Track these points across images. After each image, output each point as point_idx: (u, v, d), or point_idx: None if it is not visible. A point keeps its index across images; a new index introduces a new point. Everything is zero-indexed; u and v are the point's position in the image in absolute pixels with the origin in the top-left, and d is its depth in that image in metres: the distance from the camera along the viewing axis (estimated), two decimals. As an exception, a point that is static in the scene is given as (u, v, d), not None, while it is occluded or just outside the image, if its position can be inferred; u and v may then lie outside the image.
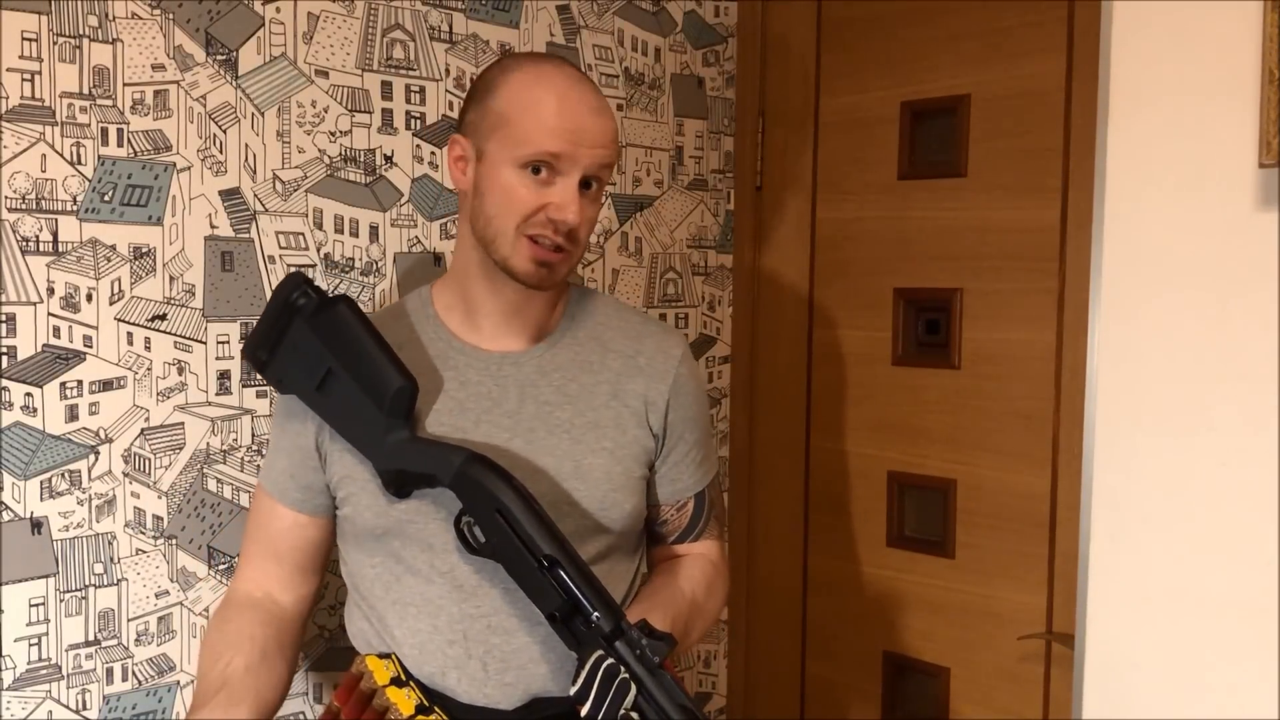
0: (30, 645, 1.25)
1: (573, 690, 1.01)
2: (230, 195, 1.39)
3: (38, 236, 1.24)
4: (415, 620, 1.15)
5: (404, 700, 1.12)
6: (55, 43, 1.24)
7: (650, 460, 1.24)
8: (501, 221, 1.13)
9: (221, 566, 1.40)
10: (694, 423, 1.27)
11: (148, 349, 1.33)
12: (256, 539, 1.25)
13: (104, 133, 1.28)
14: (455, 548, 1.12)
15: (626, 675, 1.00)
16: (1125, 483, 1.28)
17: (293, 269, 1.44)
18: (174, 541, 1.36)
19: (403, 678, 1.14)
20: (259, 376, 1.18)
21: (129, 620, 1.33)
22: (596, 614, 1.03)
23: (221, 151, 1.38)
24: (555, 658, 1.13)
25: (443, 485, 1.09)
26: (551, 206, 1.11)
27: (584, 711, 1.00)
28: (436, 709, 1.13)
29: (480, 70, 1.33)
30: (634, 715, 1.00)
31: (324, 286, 1.47)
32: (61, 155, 1.25)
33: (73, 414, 1.27)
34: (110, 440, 1.30)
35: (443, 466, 1.08)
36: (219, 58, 1.37)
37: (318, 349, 1.13)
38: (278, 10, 1.41)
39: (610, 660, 1.01)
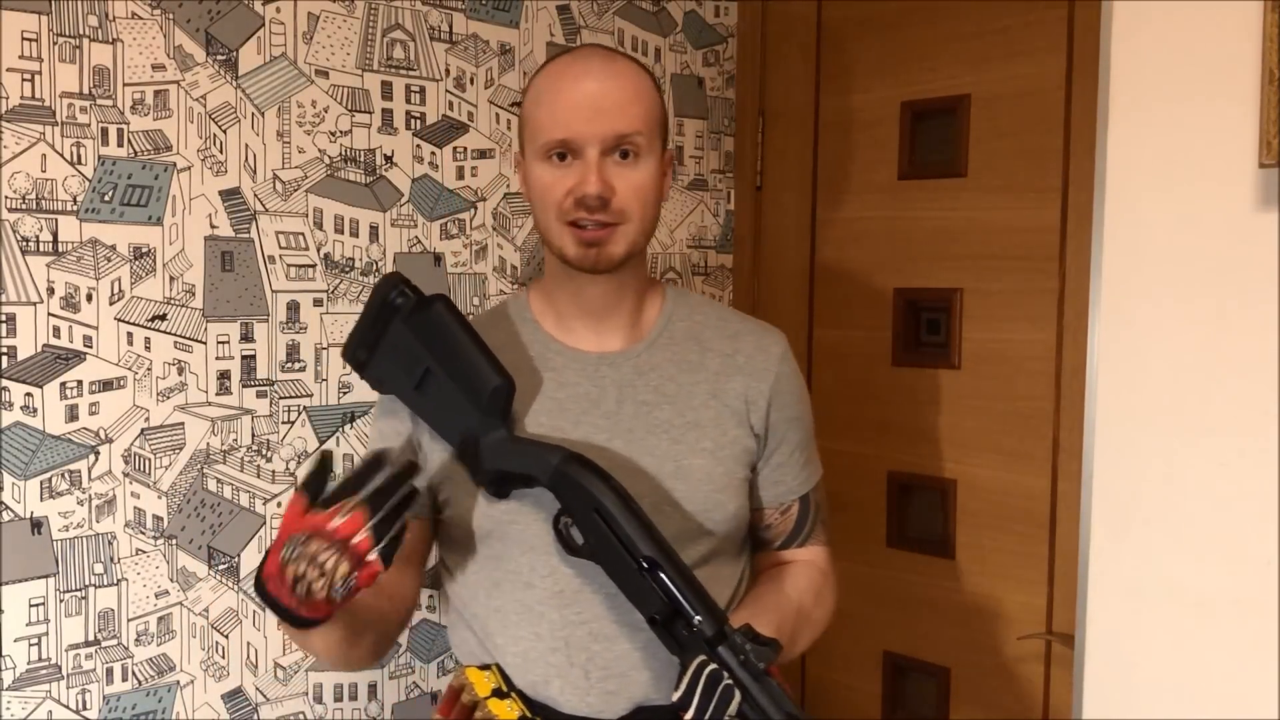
0: (30, 645, 1.25)
1: (675, 696, 0.98)
2: (230, 195, 1.39)
3: (38, 236, 1.24)
4: (517, 628, 1.13)
5: (505, 711, 1.10)
6: (55, 43, 1.24)
7: (752, 461, 1.20)
8: (544, 215, 1.14)
9: (221, 566, 1.40)
10: (797, 423, 1.23)
11: (148, 349, 1.33)
12: None
13: (104, 133, 1.28)
14: (556, 550, 1.09)
15: (730, 681, 0.97)
16: (1125, 483, 1.28)
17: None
18: (174, 541, 1.36)
19: (504, 689, 1.12)
20: (360, 377, 1.18)
21: (129, 620, 1.33)
22: (699, 618, 1.00)
23: (221, 151, 1.38)
24: (658, 665, 1.09)
25: (540, 485, 1.07)
26: (575, 186, 1.10)
27: (687, 718, 0.97)
28: (513, 694, 1.11)
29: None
30: None
31: (325, 287, 1.47)
32: (61, 155, 1.25)
33: (73, 414, 1.27)
34: (110, 440, 1.30)
35: (540, 466, 1.06)
36: (219, 58, 1.37)
37: (415, 348, 1.12)
38: (278, 10, 1.41)
39: (713, 666, 0.98)
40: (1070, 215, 1.54)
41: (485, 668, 1.14)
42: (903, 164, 1.74)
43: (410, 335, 1.12)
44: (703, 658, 0.98)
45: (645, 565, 1.01)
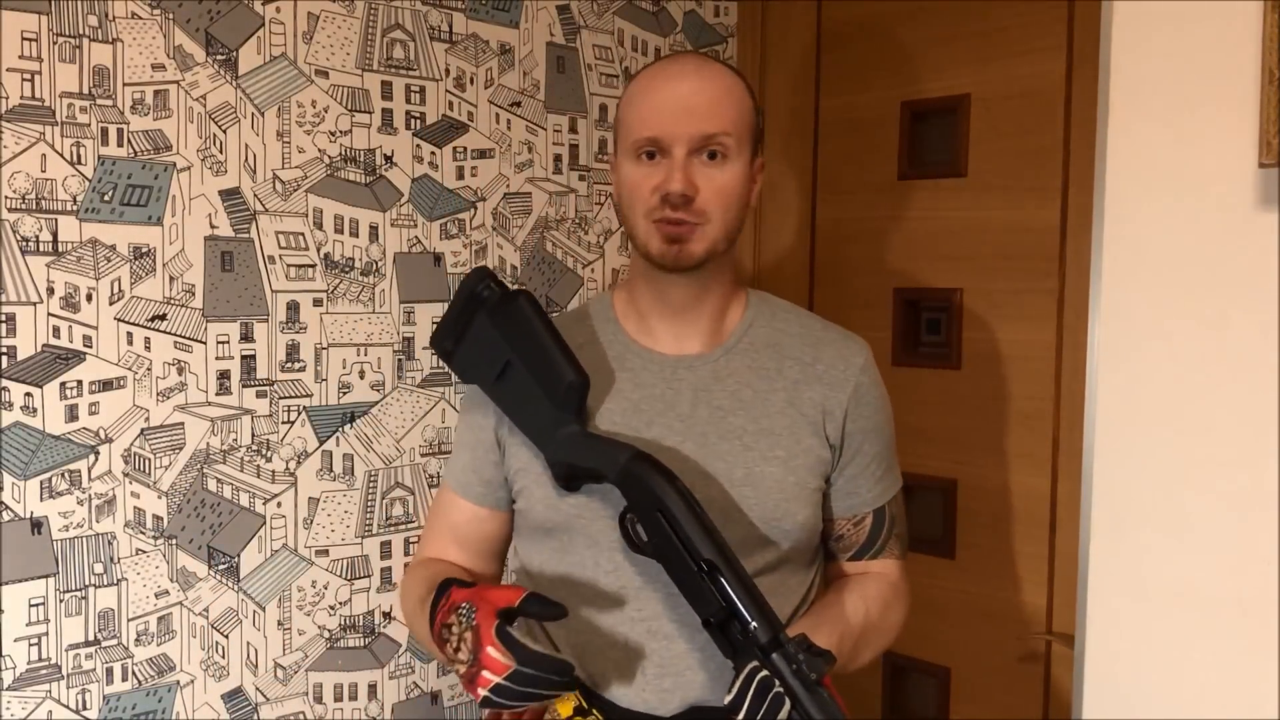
0: (30, 645, 1.25)
1: (727, 700, 0.98)
2: (230, 195, 1.39)
3: (38, 236, 1.24)
4: (575, 623, 1.13)
5: (562, 702, 1.10)
6: (55, 43, 1.24)
7: (826, 472, 1.19)
8: (630, 212, 1.15)
9: (221, 566, 1.40)
10: (876, 434, 1.22)
11: (148, 349, 1.33)
12: (438, 530, 1.27)
13: (104, 133, 1.28)
14: (620, 547, 1.11)
15: (781, 689, 0.97)
16: (1125, 483, 1.28)
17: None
18: (174, 541, 1.36)
19: (585, 707, 1.12)
20: (445, 366, 1.23)
21: (129, 620, 1.33)
22: (754, 624, 1.00)
23: (221, 151, 1.38)
24: (714, 666, 1.10)
25: (608, 481, 1.08)
26: (660, 183, 1.11)
27: None
28: (594, 711, 1.12)
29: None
30: None
31: (324, 287, 1.47)
32: (61, 155, 1.25)
33: (73, 414, 1.27)
34: (110, 440, 1.30)
35: (609, 462, 1.08)
36: (219, 58, 1.37)
37: (498, 341, 1.15)
38: (278, 10, 1.41)
39: (765, 672, 0.98)
40: (1070, 215, 1.54)
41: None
42: (903, 164, 1.74)
43: (493, 328, 1.15)
44: (755, 663, 0.99)
45: (705, 568, 1.02)
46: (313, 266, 1.46)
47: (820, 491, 1.19)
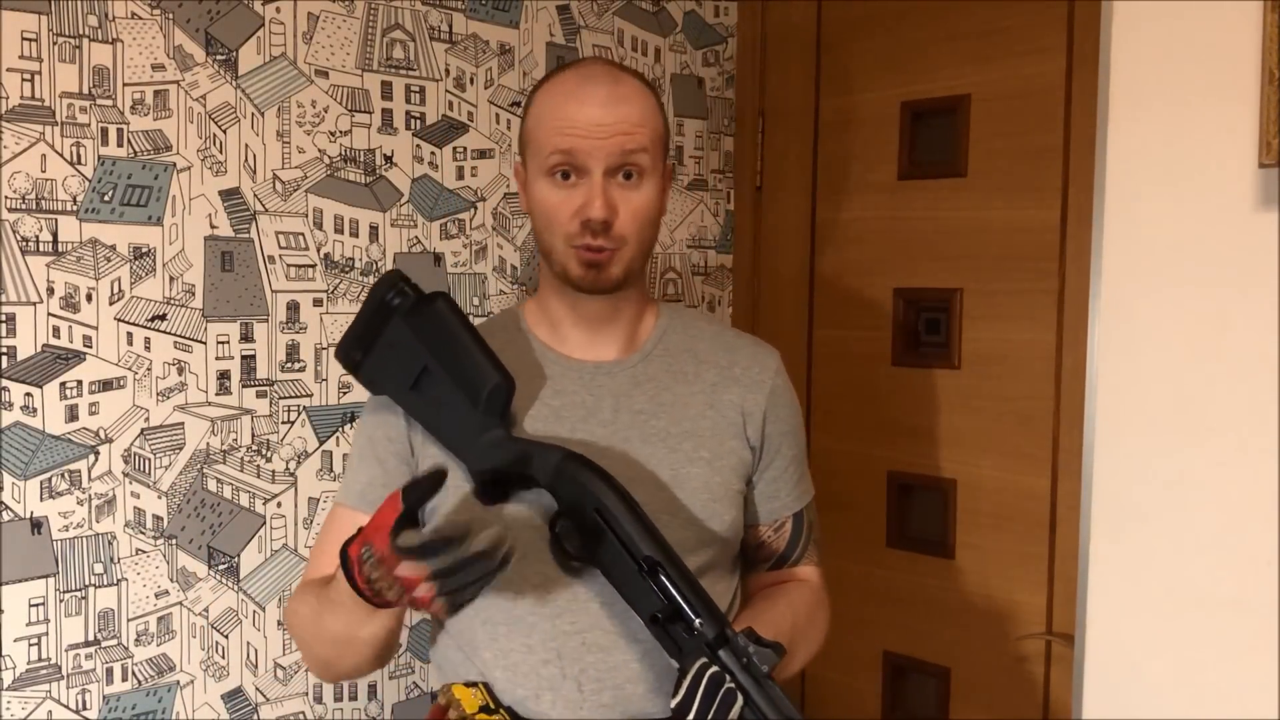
0: (30, 645, 1.25)
1: (674, 702, 0.96)
2: (230, 195, 1.39)
3: (38, 236, 1.24)
4: (506, 640, 1.10)
5: (468, 699, 1.07)
6: (55, 43, 1.24)
7: (748, 474, 1.20)
8: (548, 236, 1.13)
9: (221, 566, 1.40)
10: (791, 437, 1.23)
11: (148, 349, 1.33)
12: (331, 554, 1.12)
13: (104, 133, 1.28)
14: (548, 558, 1.08)
15: (732, 685, 0.95)
16: (1125, 483, 1.28)
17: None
18: (174, 541, 1.36)
19: (492, 705, 1.09)
20: (353, 378, 1.16)
21: (129, 620, 1.33)
22: (699, 620, 0.98)
23: (221, 151, 1.38)
24: (654, 676, 1.08)
25: (539, 485, 1.05)
26: (580, 208, 1.09)
27: None
28: (501, 709, 1.08)
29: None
30: None
31: (324, 287, 1.47)
32: (61, 155, 1.25)
33: (73, 414, 1.27)
34: (110, 440, 1.30)
35: (540, 465, 1.04)
36: (219, 58, 1.37)
37: (414, 346, 1.09)
38: (278, 10, 1.41)
39: (715, 669, 0.96)
40: (1070, 215, 1.54)
41: (472, 685, 1.11)
42: (903, 164, 1.74)
43: (409, 333, 1.10)
44: (704, 660, 0.97)
45: (646, 566, 1.00)
46: (313, 266, 1.46)
47: (743, 494, 1.19)
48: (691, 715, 0.95)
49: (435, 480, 0.95)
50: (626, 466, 1.12)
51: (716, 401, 1.19)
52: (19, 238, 1.23)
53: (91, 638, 1.30)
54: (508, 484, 1.08)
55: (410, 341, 1.10)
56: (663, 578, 1.00)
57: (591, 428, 1.14)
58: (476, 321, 1.15)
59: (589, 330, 1.18)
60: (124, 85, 1.29)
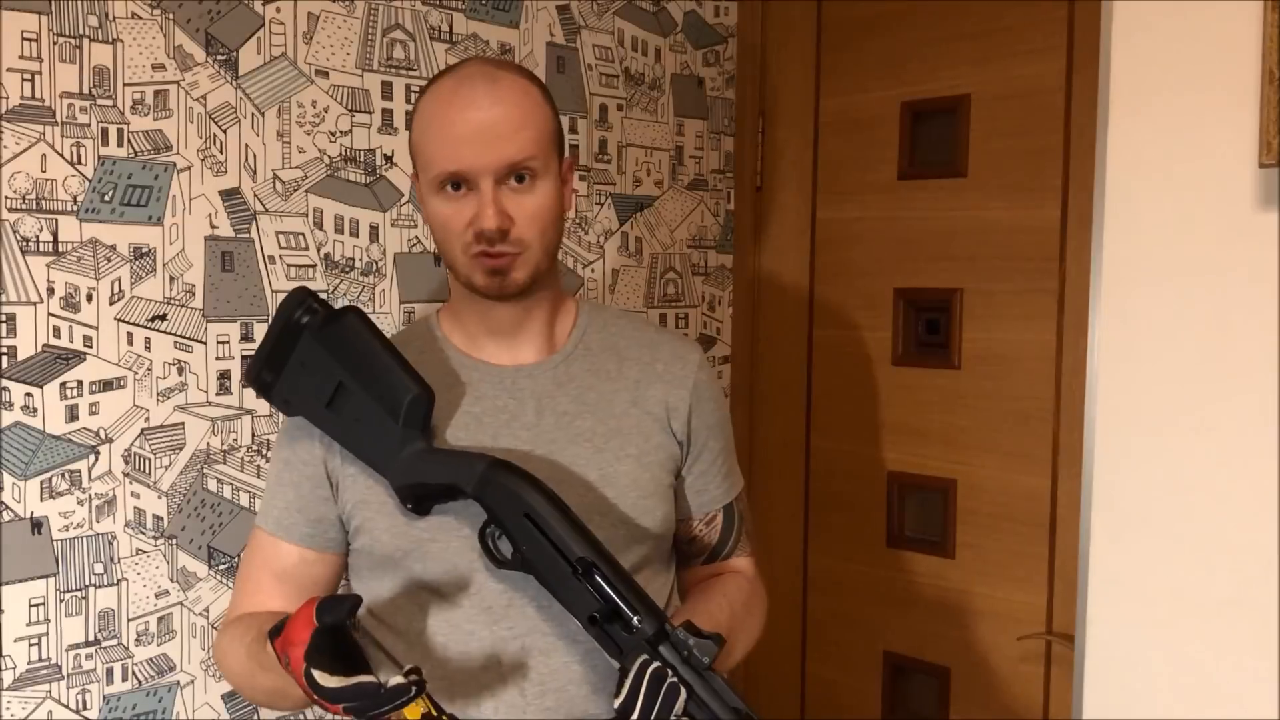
0: (30, 645, 1.25)
1: (616, 702, 0.95)
2: (230, 195, 1.39)
3: (38, 236, 1.24)
4: (444, 650, 1.09)
5: (410, 708, 1.08)
6: (55, 43, 1.24)
7: (677, 468, 1.20)
8: (448, 249, 1.11)
9: (221, 566, 1.40)
10: (717, 430, 1.24)
11: (148, 349, 1.33)
12: (256, 582, 1.16)
13: (104, 133, 1.28)
14: (481, 566, 1.07)
15: (675, 680, 0.95)
16: (1125, 483, 1.28)
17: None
18: (174, 541, 1.36)
19: (434, 713, 1.06)
20: (264, 400, 1.14)
21: (129, 620, 1.33)
22: (637, 617, 0.98)
23: (221, 151, 1.38)
24: (596, 678, 1.07)
25: (465, 496, 1.03)
26: (473, 219, 1.07)
27: None
28: (445, 715, 1.06)
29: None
30: None
31: (325, 287, 1.47)
32: (61, 155, 1.25)
33: (73, 414, 1.27)
34: (110, 440, 1.30)
35: (465, 474, 1.02)
36: (219, 58, 1.37)
37: (327, 363, 1.07)
38: (278, 10, 1.41)
39: (656, 665, 0.95)
40: (1070, 215, 1.54)
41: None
42: (903, 164, 1.74)
43: (321, 350, 1.07)
44: (645, 658, 0.96)
45: (580, 567, 0.99)
46: (313, 267, 1.46)
47: (673, 489, 1.20)
48: (635, 715, 0.94)
49: (353, 604, 0.92)
50: (554, 469, 1.11)
51: (641, 398, 1.18)
52: (19, 238, 1.23)
53: (92, 638, 1.30)
54: (434, 496, 1.07)
55: (323, 359, 1.07)
56: (597, 577, 0.99)
57: (515, 432, 1.13)
58: (389, 333, 1.13)
59: (505, 336, 1.17)
60: (124, 85, 1.29)
